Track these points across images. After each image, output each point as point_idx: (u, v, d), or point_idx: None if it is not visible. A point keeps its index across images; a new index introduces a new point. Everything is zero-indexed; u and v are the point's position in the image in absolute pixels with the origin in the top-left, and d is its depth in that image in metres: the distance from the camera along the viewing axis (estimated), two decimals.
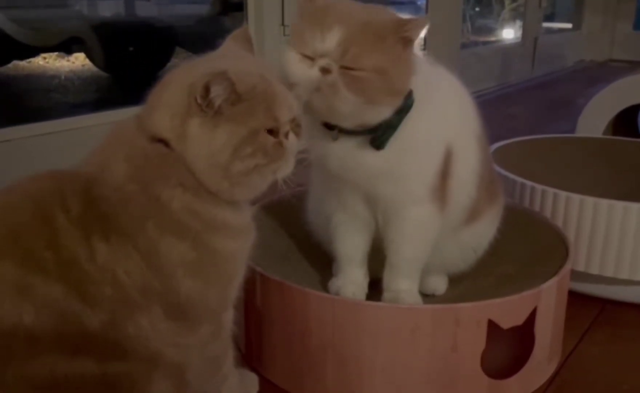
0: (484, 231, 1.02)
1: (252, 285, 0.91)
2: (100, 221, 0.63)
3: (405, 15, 0.83)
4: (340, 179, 0.91)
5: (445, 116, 0.90)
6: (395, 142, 0.85)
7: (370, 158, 0.86)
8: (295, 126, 0.72)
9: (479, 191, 0.95)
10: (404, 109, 0.84)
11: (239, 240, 0.72)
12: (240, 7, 1.98)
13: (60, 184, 0.65)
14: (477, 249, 1.03)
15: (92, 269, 0.62)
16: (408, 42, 0.81)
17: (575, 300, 1.06)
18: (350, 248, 0.97)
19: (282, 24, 1.94)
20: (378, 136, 0.84)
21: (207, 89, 0.64)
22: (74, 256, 0.61)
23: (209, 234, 0.68)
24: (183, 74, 0.68)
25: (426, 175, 0.89)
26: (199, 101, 0.64)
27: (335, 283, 0.97)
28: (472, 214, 0.97)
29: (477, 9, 5.01)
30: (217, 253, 0.69)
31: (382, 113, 0.83)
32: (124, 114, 0.71)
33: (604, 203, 1.13)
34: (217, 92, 0.64)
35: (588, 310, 1.17)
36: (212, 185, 0.67)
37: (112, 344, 0.63)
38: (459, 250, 1.01)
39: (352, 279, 0.97)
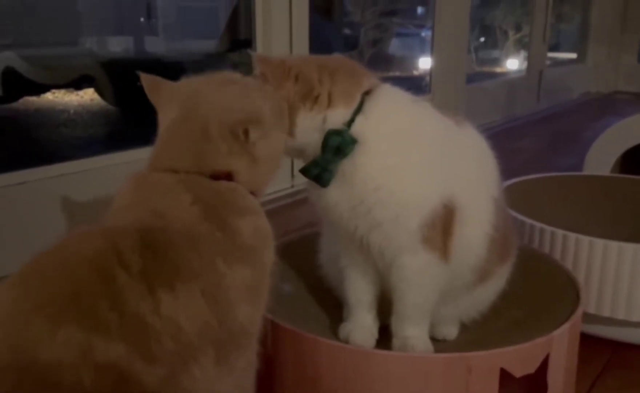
0: (495, 288, 1.01)
1: (263, 331, 0.91)
2: (164, 270, 0.62)
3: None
4: (326, 219, 0.92)
5: (444, 172, 0.88)
6: (344, 184, 0.86)
7: (329, 194, 0.88)
8: None
9: (490, 253, 0.94)
10: (327, 149, 0.85)
11: (273, 248, 0.77)
12: (249, 44, 1.99)
13: (113, 241, 0.63)
14: (489, 301, 1.02)
15: (155, 322, 0.59)
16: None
17: (586, 342, 1.06)
18: (358, 291, 0.96)
19: None
20: (307, 168, 0.87)
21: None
22: (137, 312, 0.59)
23: (263, 248, 0.73)
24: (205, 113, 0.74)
25: (404, 225, 0.86)
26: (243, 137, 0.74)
27: (345, 328, 0.97)
28: (482, 275, 0.96)
29: (481, 39, 5.06)
30: (264, 267, 0.73)
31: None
32: (139, 155, 0.73)
33: (614, 245, 1.13)
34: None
35: (599, 353, 1.17)
36: (268, 181, 0.80)
37: None
38: (471, 305, 1.01)
39: (361, 324, 0.96)
